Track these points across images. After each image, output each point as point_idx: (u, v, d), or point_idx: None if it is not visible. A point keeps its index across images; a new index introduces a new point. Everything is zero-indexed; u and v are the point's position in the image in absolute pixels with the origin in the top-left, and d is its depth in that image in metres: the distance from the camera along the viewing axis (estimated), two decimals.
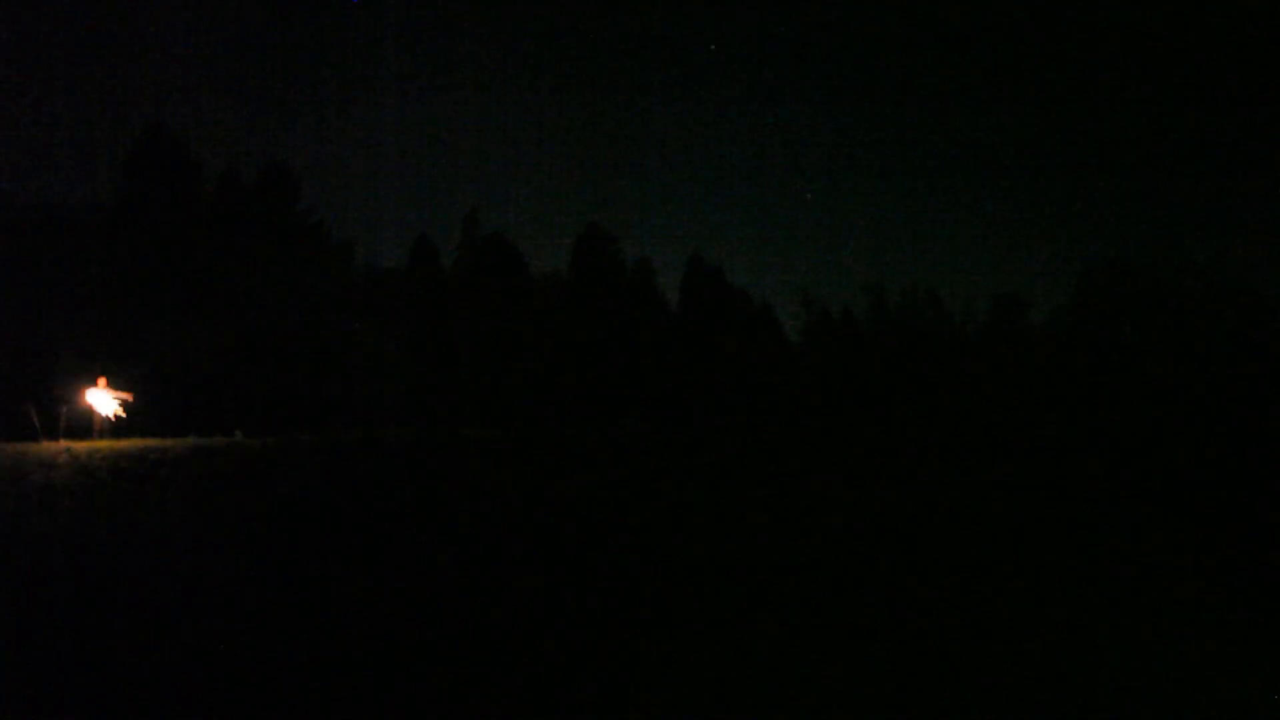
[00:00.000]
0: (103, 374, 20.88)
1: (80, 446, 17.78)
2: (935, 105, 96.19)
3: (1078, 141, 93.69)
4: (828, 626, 11.87)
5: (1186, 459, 17.45)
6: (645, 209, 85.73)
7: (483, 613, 12.10)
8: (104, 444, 18.23)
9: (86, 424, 20.46)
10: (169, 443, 18.29)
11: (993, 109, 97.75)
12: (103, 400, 20.29)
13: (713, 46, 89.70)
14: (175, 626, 11.20)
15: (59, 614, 11.44)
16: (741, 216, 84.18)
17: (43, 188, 42.39)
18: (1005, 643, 11.23)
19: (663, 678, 9.79)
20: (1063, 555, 14.48)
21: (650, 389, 37.54)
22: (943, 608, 12.59)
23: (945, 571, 13.87)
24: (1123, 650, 10.85)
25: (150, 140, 39.79)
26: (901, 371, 44.45)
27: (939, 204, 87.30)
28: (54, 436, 18.95)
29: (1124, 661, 10.44)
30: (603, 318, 44.90)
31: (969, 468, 17.05)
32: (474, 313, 42.95)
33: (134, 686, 9.17)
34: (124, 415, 20.47)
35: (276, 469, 16.30)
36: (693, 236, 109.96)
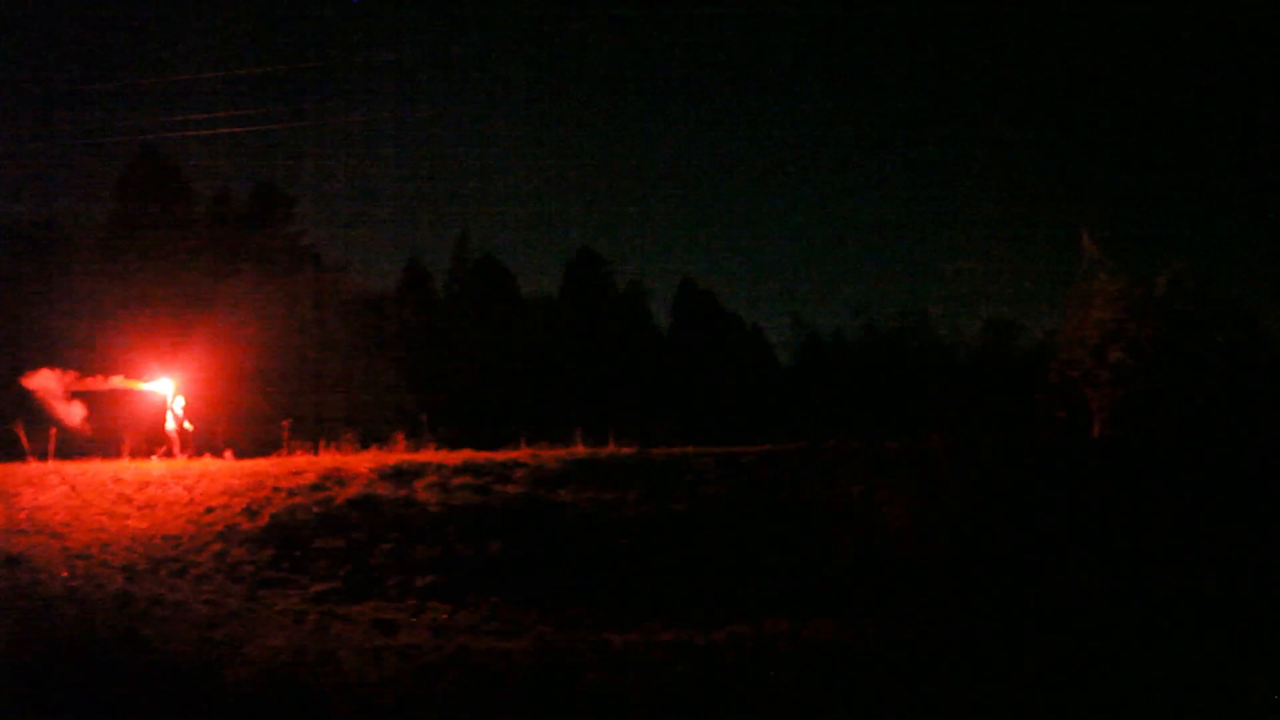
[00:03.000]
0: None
1: (69, 467, 17.64)
2: (927, 131, 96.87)
3: (1070, 166, 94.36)
4: (819, 643, 11.84)
5: (1187, 465, 17.48)
6: (638, 233, 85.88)
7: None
8: (90, 464, 18.05)
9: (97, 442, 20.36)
10: (161, 465, 18.19)
11: (985, 135, 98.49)
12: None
13: (706, 71, 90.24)
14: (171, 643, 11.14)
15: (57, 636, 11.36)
16: (734, 241, 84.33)
17: (35, 208, 42.24)
18: (1006, 644, 11.23)
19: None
20: (1065, 561, 14.47)
21: (640, 410, 37.54)
22: (940, 614, 12.57)
23: (948, 576, 13.86)
24: (1123, 650, 10.86)
25: (142, 162, 39.73)
26: (892, 392, 44.47)
27: (930, 229, 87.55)
28: (42, 457, 18.78)
29: (1124, 661, 10.45)
30: (594, 340, 44.87)
31: (961, 483, 17.06)
32: (465, 335, 42.87)
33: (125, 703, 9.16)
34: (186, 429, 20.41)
35: (264, 492, 16.23)
36: (685, 261, 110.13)
